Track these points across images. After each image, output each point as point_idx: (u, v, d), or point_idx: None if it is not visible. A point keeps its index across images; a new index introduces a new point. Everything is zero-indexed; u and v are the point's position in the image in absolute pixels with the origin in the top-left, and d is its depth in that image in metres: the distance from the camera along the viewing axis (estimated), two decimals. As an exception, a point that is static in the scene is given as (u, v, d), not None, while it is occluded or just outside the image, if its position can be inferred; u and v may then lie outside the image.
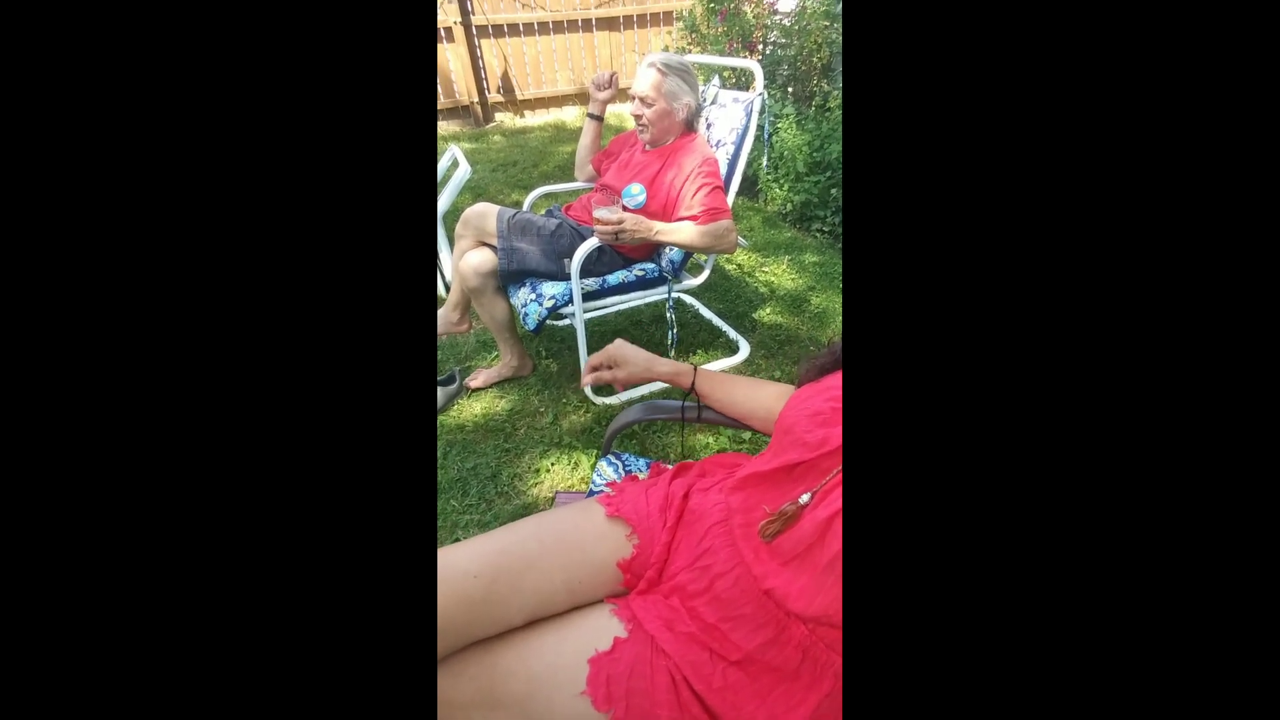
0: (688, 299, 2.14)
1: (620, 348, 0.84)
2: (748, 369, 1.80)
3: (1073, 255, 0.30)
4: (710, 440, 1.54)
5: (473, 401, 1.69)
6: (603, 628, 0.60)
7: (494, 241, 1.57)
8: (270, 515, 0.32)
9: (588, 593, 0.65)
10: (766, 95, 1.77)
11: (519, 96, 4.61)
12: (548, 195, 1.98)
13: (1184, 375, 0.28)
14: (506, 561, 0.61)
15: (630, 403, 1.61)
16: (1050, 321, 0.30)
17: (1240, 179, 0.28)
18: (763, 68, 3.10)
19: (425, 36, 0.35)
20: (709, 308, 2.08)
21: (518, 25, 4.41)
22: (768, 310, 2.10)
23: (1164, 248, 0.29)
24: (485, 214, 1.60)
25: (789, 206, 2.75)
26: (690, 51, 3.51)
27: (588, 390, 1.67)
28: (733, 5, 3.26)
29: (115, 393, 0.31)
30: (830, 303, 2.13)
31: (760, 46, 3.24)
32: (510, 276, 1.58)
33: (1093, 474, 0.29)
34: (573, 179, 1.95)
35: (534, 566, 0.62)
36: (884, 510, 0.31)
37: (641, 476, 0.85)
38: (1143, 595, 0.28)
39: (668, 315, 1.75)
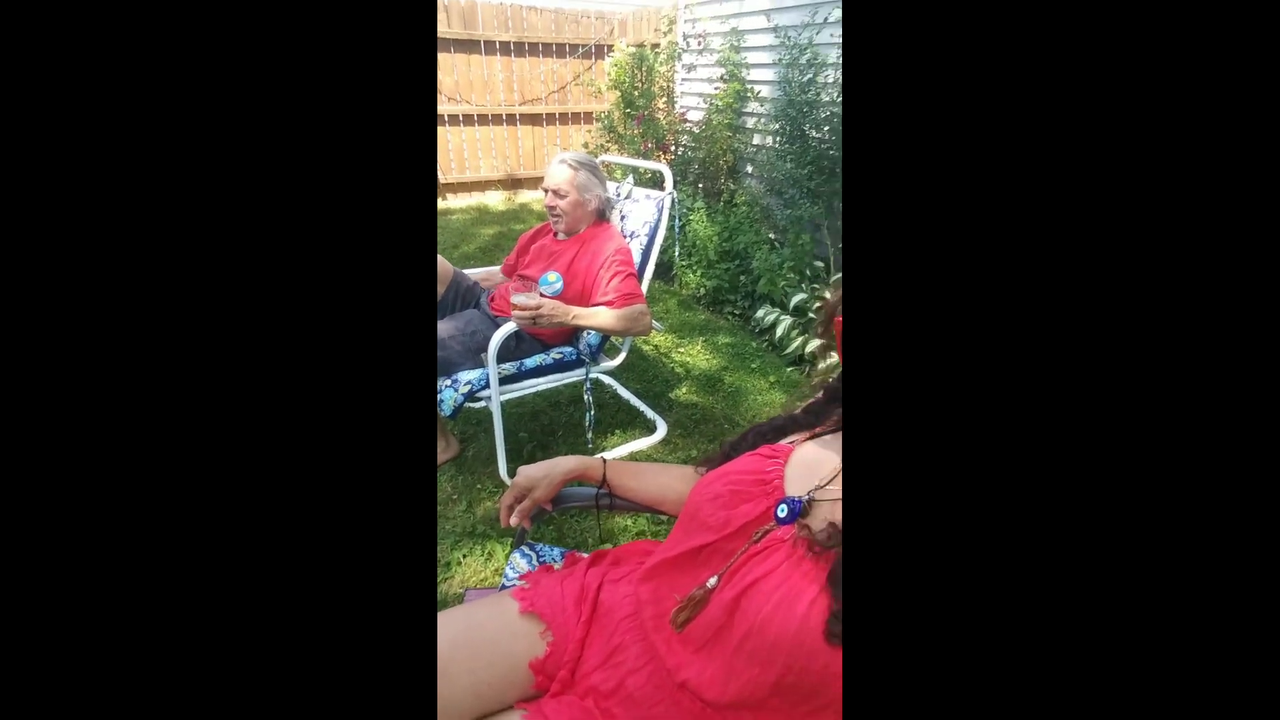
0: (606, 379, 2.17)
1: (521, 476, 0.80)
2: (665, 448, 1.83)
3: (1067, 265, 0.30)
4: (629, 523, 1.52)
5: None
6: (511, 739, 0.56)
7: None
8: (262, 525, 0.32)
9: (495, 698, 0.61)
10: (676, 193, 1.92)
11: (442, 180, 4.69)
12: (467, 278, 1.99)
13: (1178, 403, 0.28)
14: None
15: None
16: (1048, 333, 0.30)
17: (1230, 188, 0.28)
18: (674, 168, 3.39)
19: (426, 37, 0.37)
20: (627, 387, 2.12)
21: (443, 116, 4.57)
22: (684, 389, 2.17)
23: (1155, 271, 0.29)
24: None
25: (702, 291, 2.92)
26: (609, 149, 3.77)
27: (503, 473, 1.63)
28: (647, 111, 3.57)
29: (100, 407, 0.31)
30: (743, 381, 2.23)
31: (673, 148, 3.54)
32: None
33: (1092, 484, 0.29)
34: (493, 262, 1.98)
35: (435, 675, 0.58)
36: (881, 525, 0.32)
37: (556, 567, 0.82)
38: (1143, 608, 0.28)
39: (585, 397, 1.76)
